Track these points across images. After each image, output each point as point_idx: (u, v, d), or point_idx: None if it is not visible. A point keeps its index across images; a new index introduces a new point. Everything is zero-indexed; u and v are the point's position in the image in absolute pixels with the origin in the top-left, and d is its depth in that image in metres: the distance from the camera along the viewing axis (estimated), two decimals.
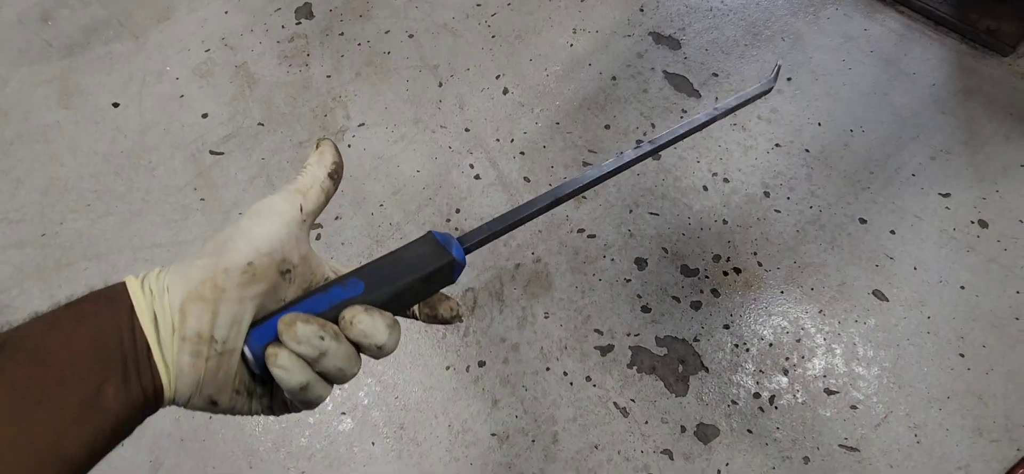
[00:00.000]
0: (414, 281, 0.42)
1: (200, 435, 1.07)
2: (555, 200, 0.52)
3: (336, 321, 0.39)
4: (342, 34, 1.62)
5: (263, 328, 0.38)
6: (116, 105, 1.50)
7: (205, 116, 1.47)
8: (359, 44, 1.60)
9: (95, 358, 0.34)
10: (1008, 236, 1.25)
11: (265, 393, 0.41)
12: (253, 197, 1.34)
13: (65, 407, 0.33)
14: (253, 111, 1.48)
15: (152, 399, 0.37)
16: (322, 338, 0.37)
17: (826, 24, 1.62)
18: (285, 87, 1.52)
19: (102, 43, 1.61)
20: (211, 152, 1.42)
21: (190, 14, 1.66)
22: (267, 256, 0.38)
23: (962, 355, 1.12)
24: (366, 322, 0.39)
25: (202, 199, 1.34)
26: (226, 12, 1.67)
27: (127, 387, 0.35)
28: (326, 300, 0.40)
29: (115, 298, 0.37)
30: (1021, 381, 1.09)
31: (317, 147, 0.45)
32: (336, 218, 1.32)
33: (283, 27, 1.64)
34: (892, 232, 1.27)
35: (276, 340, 0.38)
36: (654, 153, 0.58)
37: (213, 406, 0.39)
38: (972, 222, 1.27)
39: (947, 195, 1.31)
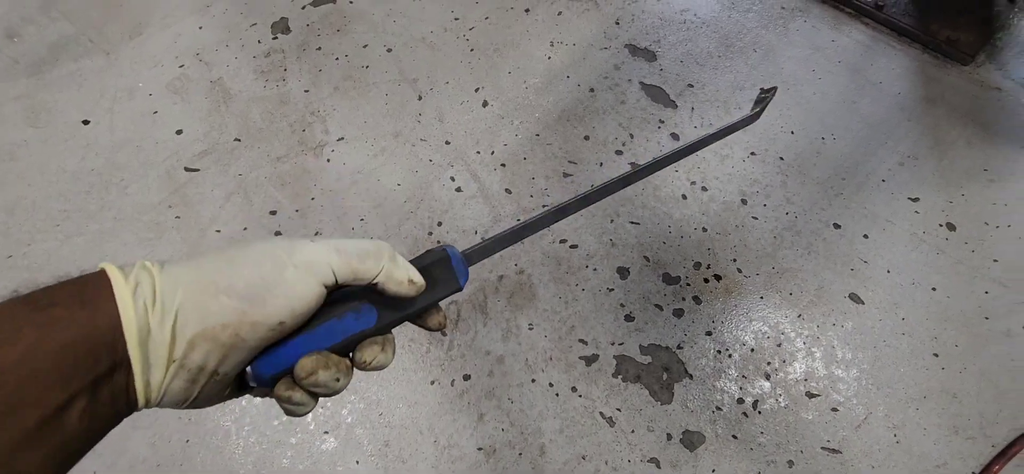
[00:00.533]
0: (422, 308, 0.43)
1: (177, 459, 1.04)
2: (557, 215, 0.52)
3: (347, 346, 0.40)
4: (319, 49, 1.61)
5: (272, 358, 0.37)
6: (86, 122, 1.46)
7: (179, 132, 1.45)
8: (337, 58, 1.59)
9: (60, 377, 0.30)
10: (975, 238, 1.29)
11: (247, 390, 0.41)
12: (230, 214, 1.32)
13: (19, 430, 0.29)
14: (229, 127, 1.46)
15: (124, 412, 0.34)
16: (338, 379, 0.38)
17: (795, 36, 1.66)
18: (262, 102, 1.51)
19: (71, 60, 1.57)
20: (186, 169, 1.39)
21: (163, 30, 1.64)
22: (301, 315, 0.36)
23: (936, 355, 1.15)
24: (382, 359, 0.40)
25: (177, 217, 1.32)
26: (200, 27, 1.65)
27: (95, 406, 0.32)
28: (340, 330, 0.39)
29: (92, 301, 0.32)
30: (992, 379, 1.12)
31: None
32: (316, 233, 1.30)
33: (259, 42, 1.62)
34: (865, 236, 1.30)
35: (291, 379, 0.38)
36: (655, 170, 0.59)
37: (194, 408, 0.38)
38: (940, 225, 1.31)
39: (916, 199, 1.35)
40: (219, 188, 1.36)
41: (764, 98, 0.78)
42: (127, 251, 1.27)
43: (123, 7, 1.68)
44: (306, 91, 1.53)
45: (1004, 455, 1.02)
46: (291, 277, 0.35)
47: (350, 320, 0.39)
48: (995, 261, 1.26)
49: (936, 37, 1.61)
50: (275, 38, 1.63)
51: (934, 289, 1.22)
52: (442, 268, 0.43)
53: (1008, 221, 1.31)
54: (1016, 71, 1.57)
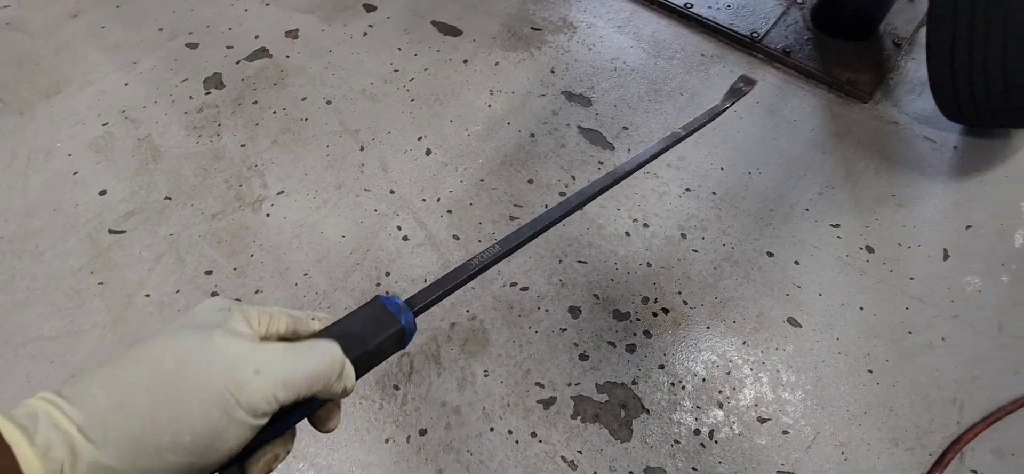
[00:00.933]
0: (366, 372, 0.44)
1: None
2: (507, 253, 0.53)
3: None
4: (256, 103, 1.58)
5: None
6: None
7: (103, 193, 1.36)
8: (274, 112, 1.56)
9: None
10: (891, 259, 1.40)
11: None
12: (161, 277, 1.24)
13: None
14: (159, 185, 1.39)
15: None
16: (286, 455, 0.40)
17: (716, 80, 1.78)
18: (195, 158, 1.45)
19: None
20: (110, 231, 1.30)
21: (85, 87, 1.55)
22: (248, 441, 0.36)
23: (870, 371, 1.22)
24: (339, 416, 0.43)
25: (100, 283, 1.22)
26: (126, 84, 1.57)
27: None
28: (286, 425, 0.39)
29: None
30: (922, 390, 1.20)
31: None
32: (257, 291, 1.24)
33: (191, 97, 1.57)
34: (796, 263, 1.38)
35: (238, 470, 0.38)
36: (635, 171, 0.61)
37: None
38: (861, 248, 1.41)
39: (837, 225, 1.45)
40: (148, 250, 1.28)
41: (740, 89, 0.75)
42: (41, 323, 1.16)
43: (39, 66, 1.59)
44: (242, 145, 1.48)
45: (941, 462, 1.09)
46: (240, 419, 0.34)
47: (296, 415, 0.40)
48: (911, 279, 1.36)
49: (838, 79, 1.77)
50: (208, 93, 1.58)
51: (862, 308, 1.31)
52: (389, 333, 0.44)
53: (917, 241, 1.43)
54: (908, 106, 1.74)
